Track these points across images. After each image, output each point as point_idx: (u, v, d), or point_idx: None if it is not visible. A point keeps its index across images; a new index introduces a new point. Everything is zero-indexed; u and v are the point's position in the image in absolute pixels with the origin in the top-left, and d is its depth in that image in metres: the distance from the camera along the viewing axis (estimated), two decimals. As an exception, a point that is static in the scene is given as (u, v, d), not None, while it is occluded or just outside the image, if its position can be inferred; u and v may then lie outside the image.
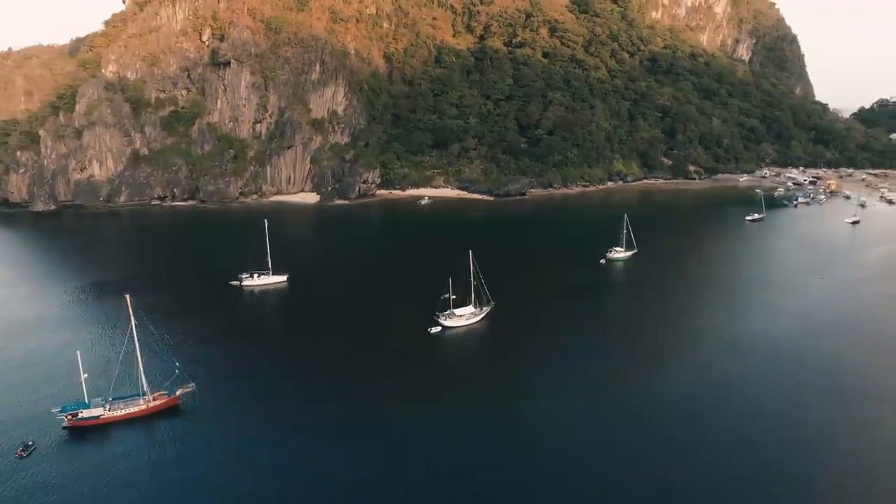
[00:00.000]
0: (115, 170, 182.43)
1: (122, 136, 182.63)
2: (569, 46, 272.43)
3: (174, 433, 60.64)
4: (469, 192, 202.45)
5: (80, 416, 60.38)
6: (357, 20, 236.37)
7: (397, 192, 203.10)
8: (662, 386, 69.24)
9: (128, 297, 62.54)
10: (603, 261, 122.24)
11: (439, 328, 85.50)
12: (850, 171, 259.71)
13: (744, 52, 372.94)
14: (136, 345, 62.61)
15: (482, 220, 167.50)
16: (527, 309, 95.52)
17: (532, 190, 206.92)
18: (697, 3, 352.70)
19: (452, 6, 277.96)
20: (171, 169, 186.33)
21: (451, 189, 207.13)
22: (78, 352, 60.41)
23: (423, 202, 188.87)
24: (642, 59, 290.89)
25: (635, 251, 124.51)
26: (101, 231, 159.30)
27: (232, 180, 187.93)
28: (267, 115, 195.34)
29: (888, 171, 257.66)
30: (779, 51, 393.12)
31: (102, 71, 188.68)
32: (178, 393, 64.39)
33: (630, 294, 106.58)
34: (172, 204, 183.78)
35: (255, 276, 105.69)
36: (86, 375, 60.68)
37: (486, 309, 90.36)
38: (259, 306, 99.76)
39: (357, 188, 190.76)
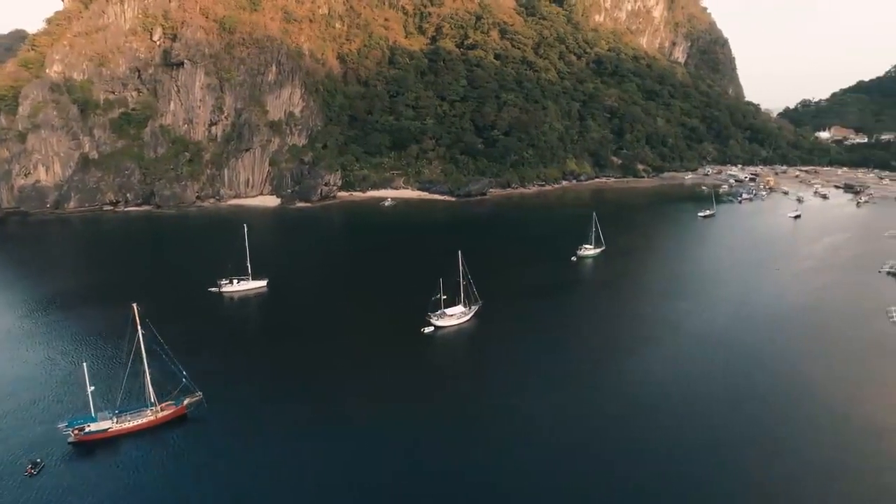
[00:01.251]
0: (62, 175, 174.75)
1: (70, 140, 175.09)
2: (519, 48, 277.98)
3: (184, 444, 59.67)
4: (430, 192, 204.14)
5: (87, 430, 58.79)
6: (310, 20, 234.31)
7: (358, 194, 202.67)
8: (633, 383, 71.45)
9: (135, 305, 61.27)
10: (574, 258, 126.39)
11: (432, 328, 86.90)
12: (784, 167, 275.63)
13: (680, 55, 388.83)
14: (144, 355, 61.40)
15: (449, 220, 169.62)
16: (511, 306, 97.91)
17: (491, 190, 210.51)
18: (637, 7, 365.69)
19: (404, 7, 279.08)
20: (123, 173, 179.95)
21: (412, 190, 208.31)
22: (84, 364, 58.71)
23: (386, 203, 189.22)
24: (588, 61, 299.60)
25: (603, 248, 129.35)
26: (53, 239, 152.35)
27: (188, 184, 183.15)
28: (223, 116, 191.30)
29: (818, 168, 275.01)
30: (712, 53, 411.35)
31: (47, 71, 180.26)
32: (185, 402, 63.50)
33: (603, 290, 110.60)
34: (126, 210, 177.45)
35: (235, 281, 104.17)
36: (92, 388, 59.09)
37: (475, 308, 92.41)
38: (245, 312, 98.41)
39: (319, 190, 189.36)
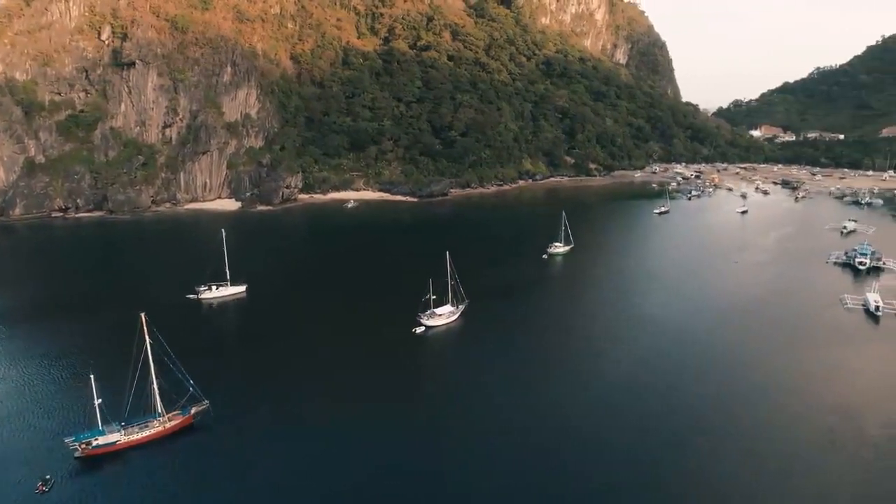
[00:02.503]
0: (6, 180, 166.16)
1: (14, 143, 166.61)
2: (471, 50, 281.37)
3: (194, 455, 58.69)
4: (392, 193, 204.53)
5: (94, 444, 57.23)
6: (262, 20, 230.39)
7: (319, 196, 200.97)
8: (602, 380, 73.51)
9: (143, 315, 59.96)
10: (545, 256, 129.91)
11: (423, 328, 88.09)
12: (725, 165, 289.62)
13: (621, 57, 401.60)
14: (152, 365, 60.21)
15: (415, 221, 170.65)
16: (494, 305, 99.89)
17: (452, 190, 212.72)
18: (581, 10, 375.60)
19: (356, 8, 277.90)
20: (72, 178, 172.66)
21: (373, 191, 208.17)
22: (91, 376, 57.06)
23: (349, 205, 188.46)
24: (538, 62, 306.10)
25: (572, 246, 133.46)
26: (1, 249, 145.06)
27: (143, 188, 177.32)
28: (177, 118, 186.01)
29: (755, 165, 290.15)
30: (651, 55, 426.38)
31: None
32: (192, 411, 62.61)
33: (576, 287, 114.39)
34: (76, 216, 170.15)
35: (214, 287, 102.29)
36: (100, 401, 57.57)
37: (462, 307, 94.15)
38: (229, 319, 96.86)
39: (280, 193, 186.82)
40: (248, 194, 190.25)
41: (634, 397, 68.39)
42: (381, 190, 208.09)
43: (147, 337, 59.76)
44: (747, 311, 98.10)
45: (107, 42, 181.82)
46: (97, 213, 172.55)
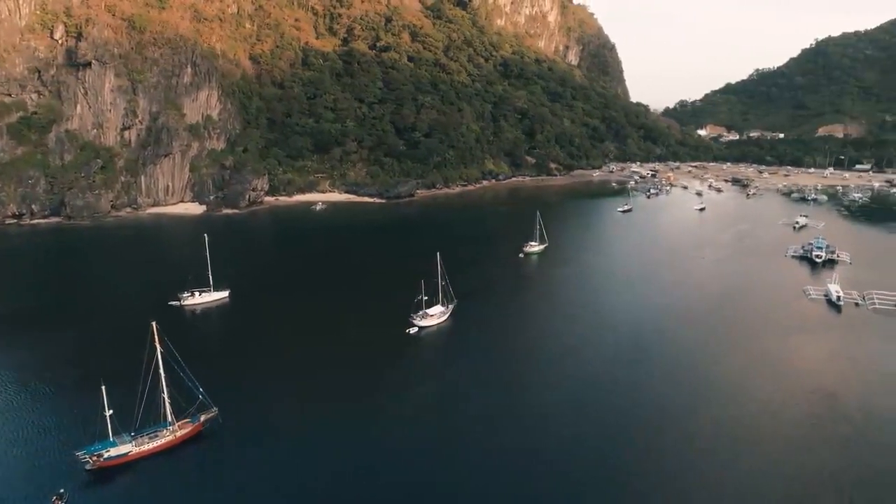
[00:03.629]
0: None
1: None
2: (431, 51, 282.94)
3: (207, 465, 57.85)
4: (359, 195, 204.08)
5: (106, 455, 56.06)
6: (220, 20, 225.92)
7: (284, 199, 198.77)
8: (577, 379, 74.92)
9: (154, 324, 59.04)
10: (521, 255, 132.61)
11: (416, 328, 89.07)
12: (678, 164, 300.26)
13: (573, 58, 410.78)
14: (163, 373, 59.33)
15: (387, 222, 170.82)
16: (479, 304, 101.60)
17: (418, 191, 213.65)
18: (534, 12, 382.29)
19: (314, 8, 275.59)
20: (26, 183, 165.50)
21: (339, 193, 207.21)
22: (103, 386, 55.78)
23: (317, 207, 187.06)
24: (495, 63, 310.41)
25: (546, 244, 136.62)
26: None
27: (102, 193, 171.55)
28: (137, 120, 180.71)
29: (706, 164, 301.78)
30: (601, 57, 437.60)
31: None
32: (201, 419, 61.98)
33: (554, 284, 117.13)
34: (32, 222, 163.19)
35: (197, 293, 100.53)
36: (111, 412, 56.43)
37: (451, 307, 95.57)
38: (216, 325, 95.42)
39: (247, 196, 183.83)
40: (212, 197, 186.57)
41: (624, 389, 71.35)
42: (347, 191, 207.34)
43: (158, 345, 58.91)
44: (721, 304, 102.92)
45: (60, 41, 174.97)
46: (54, 220, 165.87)
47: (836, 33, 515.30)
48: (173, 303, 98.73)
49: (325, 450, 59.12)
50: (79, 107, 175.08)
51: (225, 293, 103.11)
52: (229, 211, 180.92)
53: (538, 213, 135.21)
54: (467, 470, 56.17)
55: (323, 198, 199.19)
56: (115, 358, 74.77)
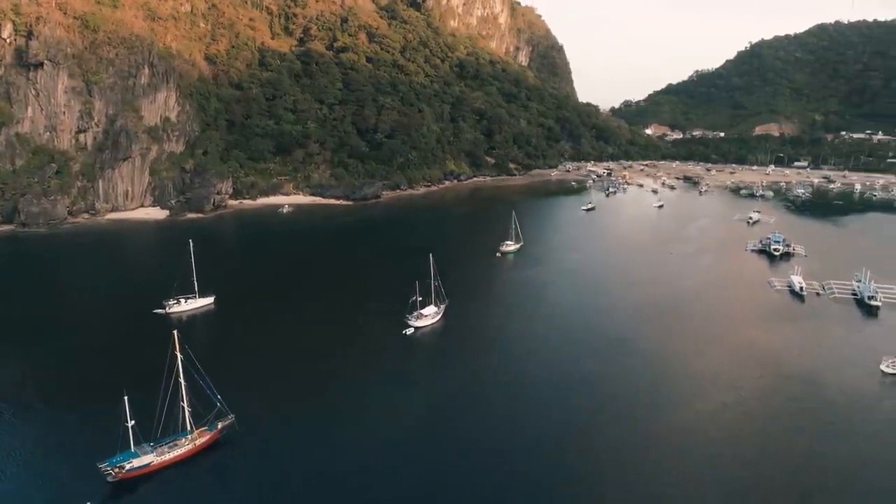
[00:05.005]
0: None
1: None
2: (388, 52, 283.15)
3: (228, 474, 57.31)
4: (324, 197, 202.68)
5: (128, 467, 55.19)
6: (175, 19, 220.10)
7: (248, 202, 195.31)
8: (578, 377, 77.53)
9: (175, 332, 58.38)
10: (499, 253, 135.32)
11: (412, 329, 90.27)
12: (630, 163, 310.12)
13: (523, 59, 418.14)
14: (183, 382, 58.74)
15: (358, 223, 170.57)
16: (466, 303, 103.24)
17: (382, 192, 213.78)
18: (486, 14, 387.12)
19: (268, 7, 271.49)
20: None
21: (304, 195, 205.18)
22: (125, 397, 54.78)
23: (284, 210, 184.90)
24: (451, 65, 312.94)
25: (522, 243, 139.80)
26: None
27: (58, 199, 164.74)
28: (93, 123, 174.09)
29: (656, 162, 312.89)
30: (550, 58, 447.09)
31: None
32: (219, 426, 61.64)
33: (533, 283, 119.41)
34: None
35: (183, 300, 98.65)
36: (133, 422, 55.59)
37: (443, 306, 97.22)
38: (206, 331, 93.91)
39: (212, 199, 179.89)
40: (174, 202, 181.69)
41: (613, 381, 74.86)
42: (312, 194, 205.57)
43: (179, 353, 58.34)
44: (695, 297, 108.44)
45: (8, 41, 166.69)
46: (7, 227, 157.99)
47: (768, 36, 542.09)
48: (158, 311, 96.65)
49: (341, 455, 59.42)
50: (30, 109, 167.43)
51: (210, 299, 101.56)
52: (194, 215, 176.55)
53: (514, 213, 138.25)
54: (489, 475, 57.84)
55: (288, 200, 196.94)
56: (116, 367, 73.35)
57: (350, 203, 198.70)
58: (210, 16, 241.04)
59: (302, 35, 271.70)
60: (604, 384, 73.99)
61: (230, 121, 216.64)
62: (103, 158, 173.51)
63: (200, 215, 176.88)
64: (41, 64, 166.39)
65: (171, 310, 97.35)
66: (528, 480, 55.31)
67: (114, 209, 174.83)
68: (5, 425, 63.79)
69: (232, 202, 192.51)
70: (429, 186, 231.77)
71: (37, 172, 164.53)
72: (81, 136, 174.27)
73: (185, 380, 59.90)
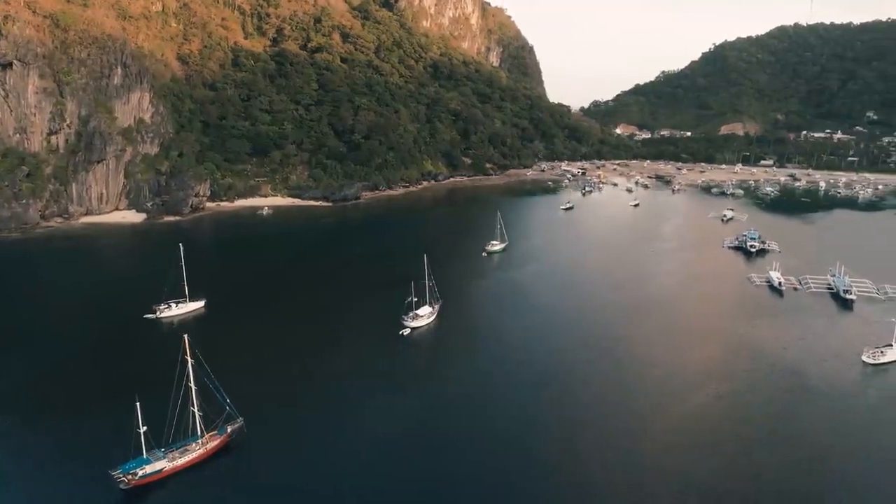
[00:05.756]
0: None
1: None
2: (363, 52, 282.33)
3: (241, 479, 57.04)
4: (303, 199, 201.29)
5: (141, 473, 54.66)
6: (146, 18, 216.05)
7: (226, 204, 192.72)
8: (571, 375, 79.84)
9: (186, 336, 57.96)
10: (485, 253, 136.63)
11: (408, 330, 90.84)
12: (603, 162, 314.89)
13: (495, 60, 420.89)
14: (193, 386, 58.38)
15: (342, 225, 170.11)
16: (458, 303, 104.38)
17: (362, 193, 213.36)
18: (457, 14, 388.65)
19: (240, 7, 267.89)
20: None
21: (283, 197, 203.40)
22: (137, 403, 54.23)
23: (264, 212, 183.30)
24: (425, 65, 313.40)
25: (507, 243, 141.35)
26: None
27: (30, 202, 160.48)
28: (65, 124, 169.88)
29: (628, 161, 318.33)
30: (520, 58, 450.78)
31: None
32: (228, 430, 61.43)
33: (521, 282, 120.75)
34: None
35: (174, 305, 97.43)
36: (145, 428, 55.05)
37: (437, 306, 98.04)
38: (200, 335, 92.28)
39: (190, 202, 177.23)
40: (150, 204, 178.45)
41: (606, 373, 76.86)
42: (290, 195, 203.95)
43: (189, 358, 58.01)
44: (680, 293, 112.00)
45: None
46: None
47: (731, 38, 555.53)
48: (149, 316, 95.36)
49: (350, 456, 59.60)
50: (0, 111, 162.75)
51: (201, 303, 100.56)
52: (171, 218, 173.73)
53: (498, 213, 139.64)
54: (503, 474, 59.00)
55: (267, 202, 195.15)
56: (117, 374, 72.50)
57: (330, 204, 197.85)
58: (182, 15, 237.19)
59: (275, 35, 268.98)
60: (601, 378, 75.89)
61: (205, 122, 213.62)
62: (76, 161, 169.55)
63: (178, 218, 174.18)
64: (10, 64, 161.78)
65: (162, 314, 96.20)
66: (547, 480, 56.66)
67: (88, 212, 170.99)
68: (12, 435, 62.52)
69: (210, 204, 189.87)
70: (407, 187, 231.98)
71: (7, 176, 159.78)
72: (53, 138, 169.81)
73: (196, 384, 59.58)
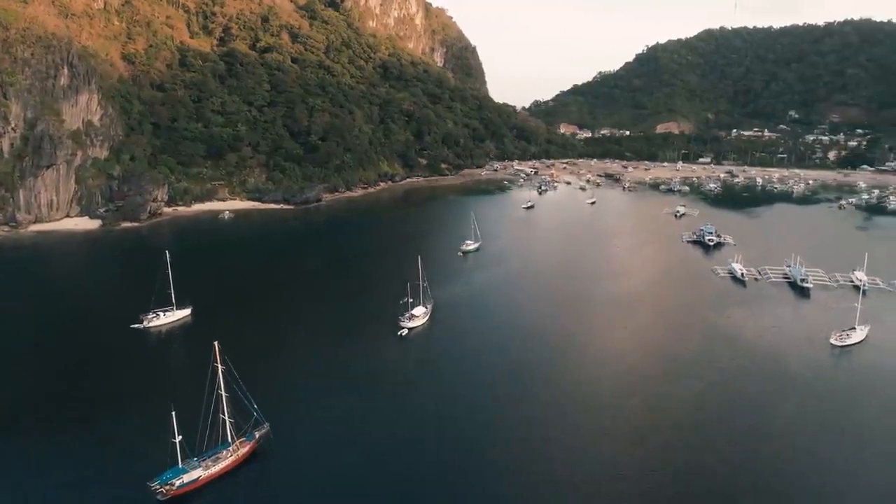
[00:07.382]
0: None
1: None
2: (313, 52, 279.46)
3: (274, 483, 57.10)
4: (263, 202, 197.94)
5: (178, 483, 54.08)
6: (89, 16, 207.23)
7: (183, 209, 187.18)
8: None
9: (216, 343, 57.50)
10: (460, 253, 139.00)
11: (405, 330, 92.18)
12: (552, 161, 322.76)
13: (439, 60, 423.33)
14: (223, 393, 58.08)
15: (308, 227, 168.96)
16: (445, 302, 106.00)
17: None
18: (402, 15, 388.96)
19: (185, 5, 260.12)
20: None
21: (242, 200, 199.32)
22: (173, 413, 53.51)
23: (225, 216, 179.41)
24: (375, 66, 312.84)
25: (481, 242, 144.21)
26: None
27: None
28: (10, 128, 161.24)
29: (575, 160, 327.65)
30: (464, 59, 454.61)
31: None
32: (256, 436, 61.41)
33: (502, 280, 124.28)
34: None
35: (161, 314, 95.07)
36: (180, 437, 54.50)
37: (430, 306, 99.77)
38: (190, 344, 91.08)
39: (148, 207, 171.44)
40: (104, 210, 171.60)
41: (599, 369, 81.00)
42: (249, 198, 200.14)
43: (220, 364, 57.74)
44: (651, 286, 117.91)
45: None
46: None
47: (663, 40, 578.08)
48: (136, 326, 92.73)
49: (373, 460, 60.19)
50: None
51: (187, 311, 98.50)
52: (128, 224, 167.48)
53: (472, 214, 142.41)
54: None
55: (226, 206, 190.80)
56: (123, 384, 71.13)
57: (292, 207, 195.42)
58: (124, 13, 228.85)
59: (222, 34, 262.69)
60: (597, 370, 79.79)
61: (155, 124, 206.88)
62: (24, 166, 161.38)
63: (136, 224, 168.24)
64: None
65: (150, 324, 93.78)
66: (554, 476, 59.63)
67: (37, 220, 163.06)
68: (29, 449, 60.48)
69: (166, 209, 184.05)
70: (366, 188, 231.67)
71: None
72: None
73: (226, 391, 59.33)
